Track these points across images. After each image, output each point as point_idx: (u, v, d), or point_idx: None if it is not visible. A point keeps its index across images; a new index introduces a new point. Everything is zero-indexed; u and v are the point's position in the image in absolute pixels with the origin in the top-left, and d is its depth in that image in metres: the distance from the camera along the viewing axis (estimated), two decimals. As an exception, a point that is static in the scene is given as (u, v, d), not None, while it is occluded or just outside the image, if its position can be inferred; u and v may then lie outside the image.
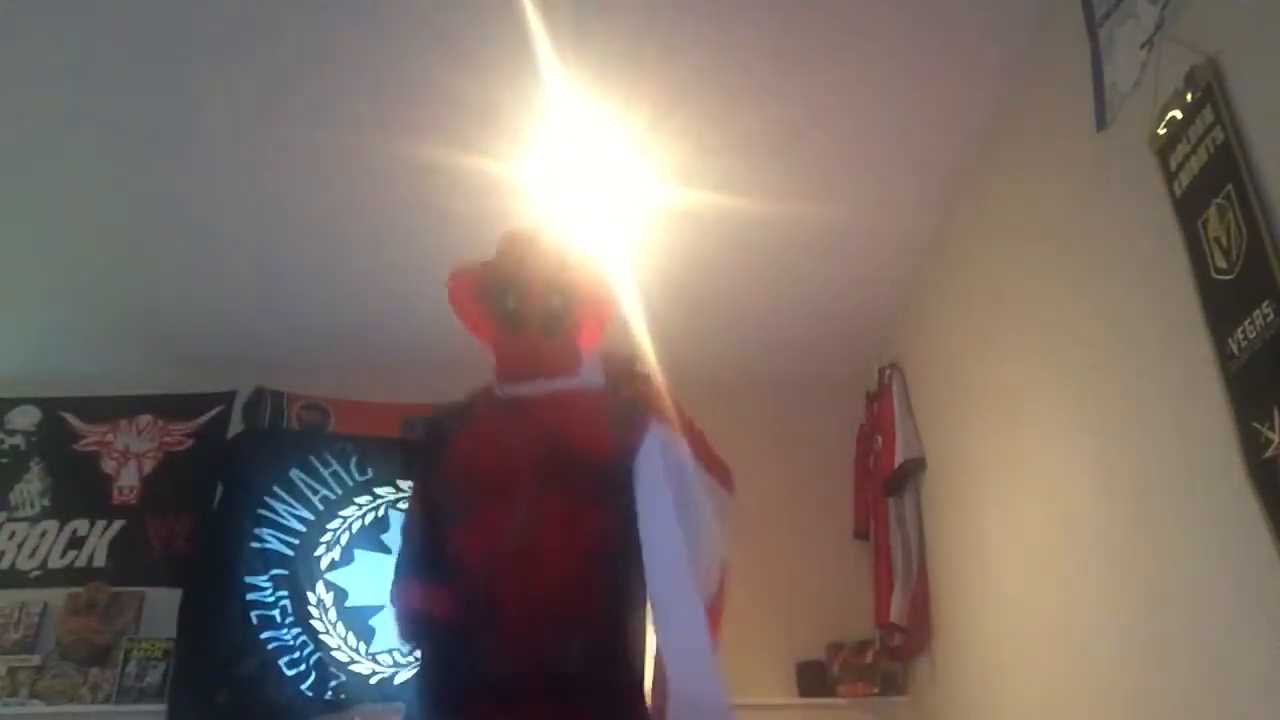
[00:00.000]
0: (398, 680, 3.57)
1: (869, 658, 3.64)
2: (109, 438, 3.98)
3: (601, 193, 3.06)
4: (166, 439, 3.98)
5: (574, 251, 1.88)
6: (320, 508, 3.78)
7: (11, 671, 3.54)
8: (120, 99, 2.74)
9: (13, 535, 3.80)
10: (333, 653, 3.59)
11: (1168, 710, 1.87)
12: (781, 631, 3.66)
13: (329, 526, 3.77)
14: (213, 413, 4.00)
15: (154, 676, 3.55)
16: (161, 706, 3.47)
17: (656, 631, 1.54)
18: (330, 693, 3.52)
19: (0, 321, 3.78)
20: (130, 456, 3.95)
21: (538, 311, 1.75)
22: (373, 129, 2.79)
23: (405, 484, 3.84)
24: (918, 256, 3.39)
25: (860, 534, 3.78)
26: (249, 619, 3.56)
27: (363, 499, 3.83)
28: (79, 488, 3.88)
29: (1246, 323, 1.59)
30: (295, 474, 3.81)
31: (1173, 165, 1.81)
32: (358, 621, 3.64)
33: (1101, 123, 2.11)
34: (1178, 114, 1.79)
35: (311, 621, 3.62)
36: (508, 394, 1.75)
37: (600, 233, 3.19)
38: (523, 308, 1.75)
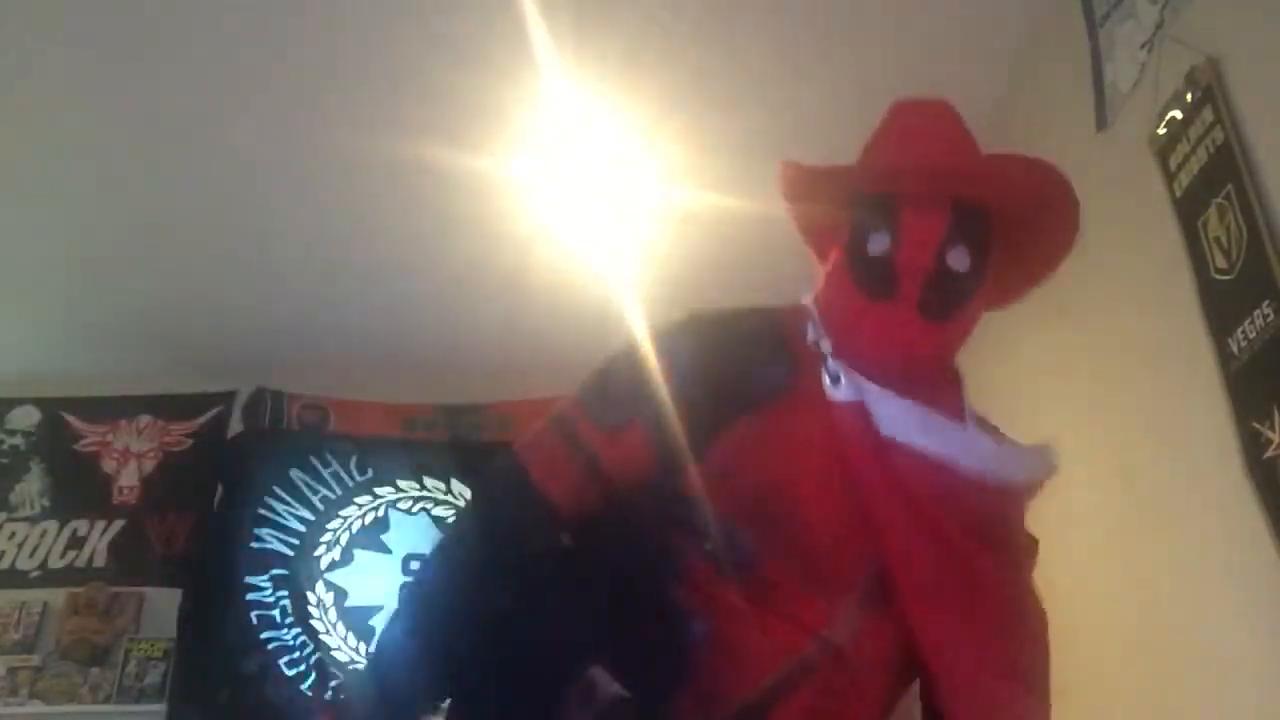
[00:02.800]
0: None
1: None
2: (109, 438, 3.98)
3: (602, 192, 3.06)
4: (166, 439, 3.97)
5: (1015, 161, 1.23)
6: (320, 508, 3.78)
7: (11, 671, 3.54)
8: (122, 100, 2.73)
9: (13, 535, 3.80)
10: (333, 653, 3.59)
11: (1167, 710, 1.87)
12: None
13: (329, 526, 3.77)
14: (213, 413, 4.00)
15: (154, 676, 3.55)
16: (161, 706, 3.46)
17: None
18: (330, 693, 3.52)
19: (0, 321, 3.78)
20: (130, 456, 3.95)
21: (923, 271, 1.10)
22: (373, 129, 2.79)
23: (406, 484, 3.84)
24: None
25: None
26: (249, 619, 3.56)
27: (363, 499, 3.83)
28: (79, 488, 3.87)
29: (1246, 323, 1.59)
30: (295, 474, 3.81)
31: (1173, 165, 1.81)
32: (358, 621, 3.64)
33: (1101, 123, 2.11)
34: (1178, 114, 1.79)
35: (311, 621, 3.62)
36: (851, 392, 1.11)
37: (601, 233, 3.19)
38: (902, 258, 1.11)
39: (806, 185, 1.22)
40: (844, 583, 1.07)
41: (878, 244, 1.12)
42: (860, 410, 1.09)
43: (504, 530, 1.14)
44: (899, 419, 1.09)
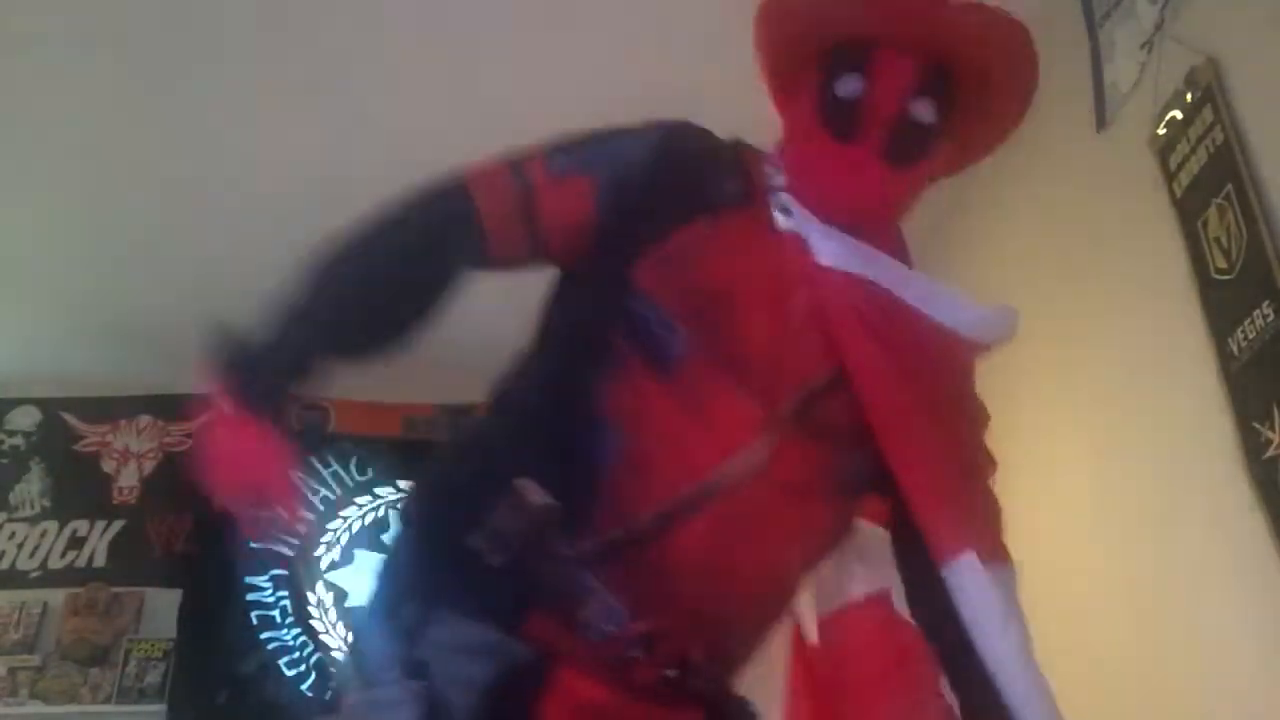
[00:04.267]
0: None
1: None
2: (109, 438, 3.98)
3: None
4: (166, 439, 3.97)
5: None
6: (320, 508, 3.78)
7: (11, 671, 3.54)
8: (121, 101, 2.73)
9: (13, 535, 3.80)
10: (333, 653, 3.59)
11: (1167, 710, 1.87)
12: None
13: (329, 527, 3.77)
14: (213, 413, 3.99)
15: (154, 676, 3.55)
16: (161, 706, 3.46)
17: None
18: (330, 693, 3.52)
19: (0, 321, 3.78)
20: (130, 456, 3.95)
21: (891, 116, 1.11)
22: (374, 130, 2.79)
23: (406, 483, 3.84)
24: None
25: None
26: (249, 619, 3.56)
27: (363, 499, 3.83)
28: (79, 488, 3.87)
29: (1246, 323, 1.59)
30: (295, 474, 3.81)
31: (1173, 165, 1.81)
32: (358, 622, 3.63)
33: (1101, 123, 2.11)
34: (1178, 114, 1.79)
35: (311, 622, 3.62)
36: (796, 226, 1.13)
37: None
38: (870, 102, 1.11)
39: (779, 27, 1.22)
40: (772, 401, 1.06)
41: (847, 86, 1.13)
42: (798, 241, 1.13)
43: (427, 214, 1.18)
44: (840, 252, 1.13)
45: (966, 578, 1.07)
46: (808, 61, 1.18)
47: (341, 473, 3.85)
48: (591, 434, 1.06)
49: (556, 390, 1.11)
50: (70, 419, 4.00)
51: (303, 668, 3.54)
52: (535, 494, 1.01)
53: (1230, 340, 1.63)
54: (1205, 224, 1.71)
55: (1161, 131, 1.84)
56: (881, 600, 1.18)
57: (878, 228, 1.20)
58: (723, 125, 1.22)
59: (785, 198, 1.16)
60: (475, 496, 1.03)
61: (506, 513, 1.00)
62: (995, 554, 1.13)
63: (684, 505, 1.01)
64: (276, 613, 3.60)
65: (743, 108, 1.23)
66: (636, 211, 1.14)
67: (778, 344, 1.09)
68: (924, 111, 1.13)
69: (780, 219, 1.15)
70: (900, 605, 1.17)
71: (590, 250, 1.15)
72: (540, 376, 1.16)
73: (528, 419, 1.13)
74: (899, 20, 1.14)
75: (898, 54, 1.13)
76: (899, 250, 1.25)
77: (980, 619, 1.07)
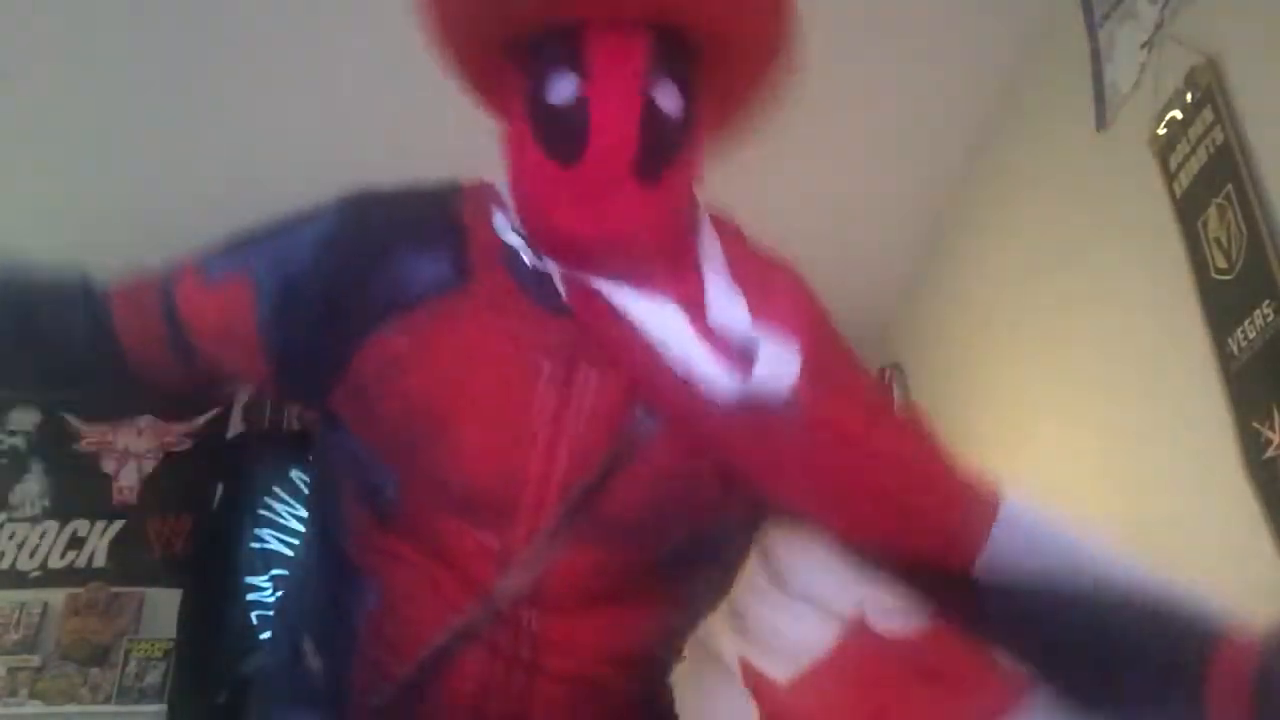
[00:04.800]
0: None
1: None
2: (109, 438, 3.98)
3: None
4: (166, 439, 3.97)
5: None
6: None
7: (11, 671, 3.54)
8: (122, 97, 2.74)
9: (13, 535, 3.79)
10: (333, 653, 3.59)
11: (1168, 710, 1.87)
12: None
13: (329, 526, 3.77)
14: (213, 413, 4.00)
15: (154, 676, 3.55)
16: (161, 706, 3.46)
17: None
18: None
19: (0, 321, 3.78)
20: (130, 456, 3.95)
21: (624, 118, 0.87)
22: (379, 123, 2.79)
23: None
24: (918, 257, 3.39)
25: (861, 534, 3.77)
26: (249, 619, 3.56)
27: (363, 499, 3.83)
28: (79, 488, 3.87)
29: (1246, 323, 1.59)
30: (295, 474, 3.80)
31: (1173, 165, 1.81)
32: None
33: (1101, 123, 2.11)
34: (1178, 114, 1.79)
35: (311, 621, 3.62)
36: (545, 269, 0.92)
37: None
38: (595, 105, 0.87)
39: (458, 19, 0.95)
40: (524, 516, 0.87)
41: (562, 88, 0.87)
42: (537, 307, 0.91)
43: (59, 318, 0.99)
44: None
45: (1002, 545, 0.88)
46: (504, 58, 0.93)
47: (341, 473, 3.85)
48: (349, 587, 0.92)
49: (321, 540, 0.99)
50: (70, 419, 4.00)
51: (303, 668, 3.54)
52: (311, 654, 0.94)
53: (1230, 340, 1.63)
54: (1205, 224, 1.71)
55: (1161, 131, 1.84)
56: (854, 637, 0.99)
57: (647, 255, 0.91)
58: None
59: (534, 260, 0.91)
60: (282, 648, 1.00)
61: (293, 674, 0.95)
62: (989, 489, 0.94)
63: (441, 652, 0.88)
64: (276, 613, 3.60)
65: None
66: (306, 326, 0.93)
67: (504, 464, 0.88)
68: (667, 100, 0.89)
69: (525, 256, 0.91)
70: (880, 615, 0.99)
71: (274, 376, 0.97)
72: (310, 526, 1.04)
73: (305, 571, 1.03)
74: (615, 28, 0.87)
75: (617, 33, 0.87)
76: (685, 269, 0.95)
77: (1055, 549, 0.89)
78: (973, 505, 0.92)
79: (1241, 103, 1.66)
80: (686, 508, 0.91)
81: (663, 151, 0.89)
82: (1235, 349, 1.62)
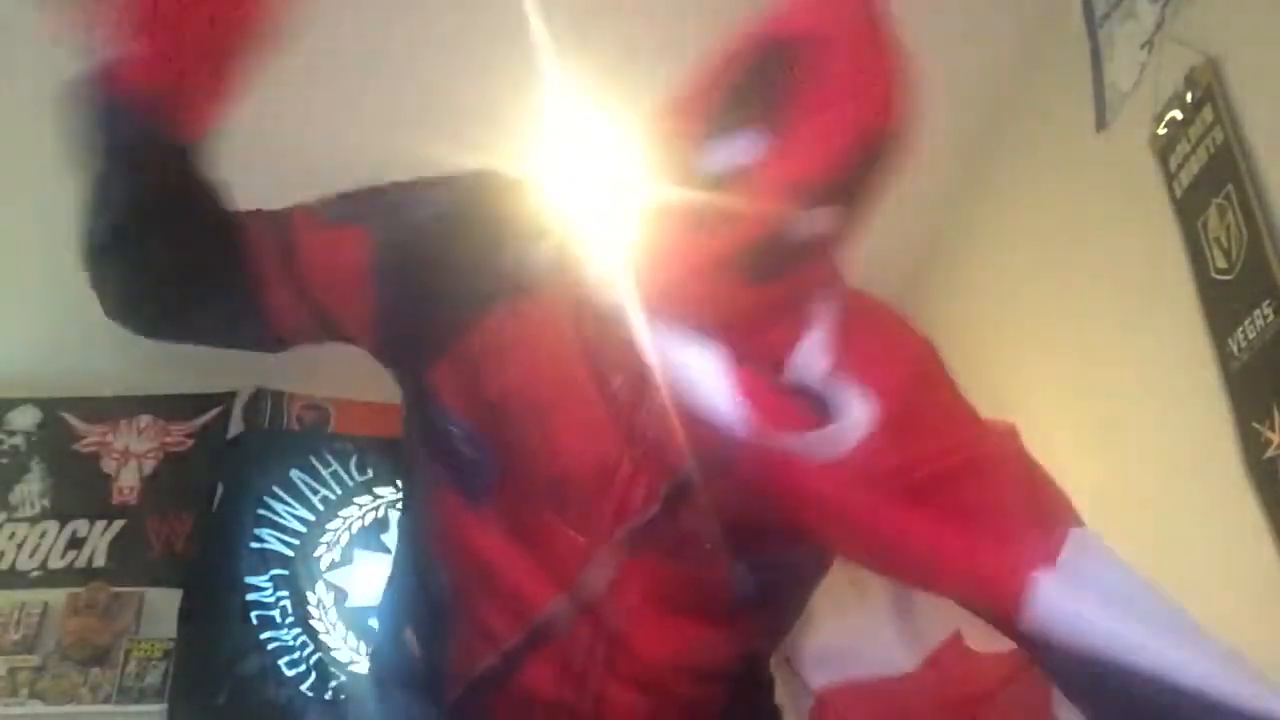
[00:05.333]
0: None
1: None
2: (109, 438, 3.97)
3: (600, 192, 3.05)
4: (166, 439, 3.97)
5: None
6: (320, 508, 3.78)
7: (11, 671, 3.54)
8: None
9: (13, 535, 3.79)
10: (333, 653, 3.59)
11: (1168, 710, 1.87)
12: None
13: (329, 527, 3.77)
14: (213, 413, 4.00)
15: (154, 676, 3.55)
16: (161, 706, 3.46)
17: None
18: (330, 693, 3.52)
19: (0, 321, 3.78)
20: (130, 456, 3.95)
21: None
22: (372, 126, 2.79)
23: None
24: (918, 257, 3.39)
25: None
26: (249, 619, 3.56)
27: (363, 499, 3.83)
28: (79, 488, 3.87)
29: (1246, 323, 1.59)
30: (295, 474, 3.81)
31: (1173, 165, 1.81)
32: (358, 621, 3.63)
33: (1101, 123, 2.11)
34: (1178, 114, 1.79)
35: (311, 622, 3.61)
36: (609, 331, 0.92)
37: (602, 233, 3.19)
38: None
39: None
40: (594, 529, 0.90)
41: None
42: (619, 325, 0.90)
43: (199, 233, 0.94)
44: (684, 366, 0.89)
45: (1044, 607, 0.84)
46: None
47: (341, 473, 3.85)
48: (435, 576, 0.95)
49: (411, 528, 1.02)
50: (70, 419, 4.00)
51: (303, 668, 3.54)
52: (413, 643, 0.96)
53: (1230, 340, 1.63)
54: (1205, 224, 1.71)
55: (1161, 131, 1.84)
56: (949, 650, 1.00)
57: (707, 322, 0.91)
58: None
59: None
60: (389, 636, 1.02)
61: (402, 664, 0.97)
62: (1053, 537, 0.89)
63: (525, 642, 0.90)
64: (276, 613, 3.60)
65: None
66: (422, 291, 0.92)
67: (597, 459, 0.89)
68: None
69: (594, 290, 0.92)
70: (979, 636, 1.00)
71: (380, 331, 0.97)
72: (403, 514, 1.07)
73: (399, 563, 1.05)
74: None
75: None
76: (779, 324, 0.94)
77: (1102, 635, 0.83)
78: (1015, 568, 0.87)
79: (1241, 103, 1.66)
80: (753, 533, 0.92)
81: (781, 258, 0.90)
82: (1235, 349, 1.62)
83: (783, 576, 0.99)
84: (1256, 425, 1.56)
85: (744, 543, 0.92)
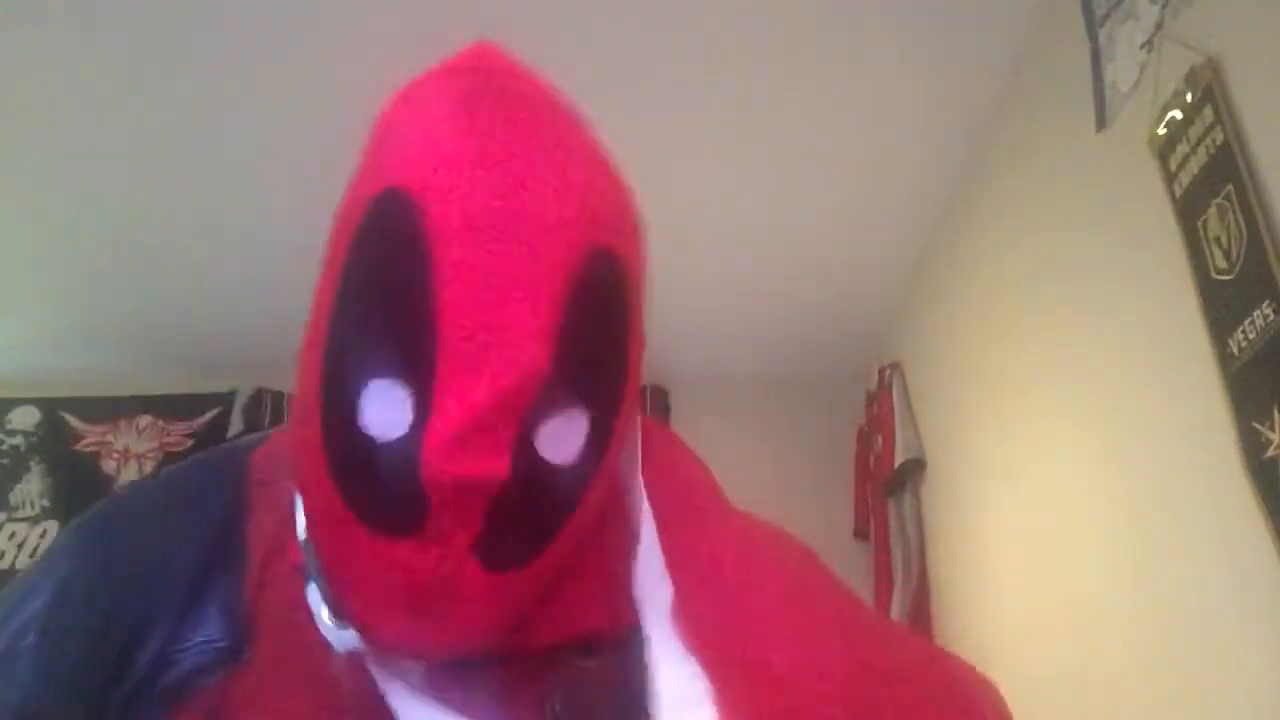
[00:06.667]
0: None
1: (869, 657, 3.62)
2: (109, 438, 3.97)
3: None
4: (166, 439, 3.97)
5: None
6: (320, 508, 3.78)
7: (12, 671, 3.54)
8: (121, 99, 2.73)
9: (13, 535, 3.80)
10: (333, 653, 3.59)
11: (1168, 709, 1.87)
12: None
13: (329, 526, 3.77)
14: (213, 413, 3.99)
15: (154, 676, 3.55)
16: (161, 706, 3.46)
17: None
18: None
19: (0, 321, 3.78)
20: (130, 456, 3.95)
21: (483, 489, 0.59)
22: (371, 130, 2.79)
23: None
24: (918, 256, 3.39)
25: (860, 534, 3.78)
26: (249, 619, 3.56)
27: (363, 499, 3.83)
28: (79, 488, 3.87)
29: (1246, 323, 1.59)
30: (295, 474, 3.81)
31: (1173, 165, 1.81)
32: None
33: (1101, 123, 2.11)
34: (1178, 114, 1.79)
35: (311, 621, 3.61)
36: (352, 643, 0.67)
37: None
38: (434, 461, 0.60)
39: None
40: None
41: (384, 412, 0.62)
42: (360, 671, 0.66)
43: None
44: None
45: None
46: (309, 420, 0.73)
47: (341, 473, 3.84)
48: None
49: None
50: (70, 419, 4.00)
51: (303, 668, 3.54)
52: None
53: (1230, 340, 1.63)
54: (1205, 224, 1.71)
55: (1161, 131, 1.83)
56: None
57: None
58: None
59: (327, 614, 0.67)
60: None
61: None
62: None
63: None
64: (276, 613, 3.60)
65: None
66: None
67: None
68: (561, 438, 0.63)
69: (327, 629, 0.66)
70: None
71: None
72: None
73: None
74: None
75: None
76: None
77: None
78: None
79: (1241, 103, 1.66)
80: None
81: (539, 524, 0.64)
82: (1235, 349, 1.62)
83: None
84: (1256, 425, 1.56)
85: None
